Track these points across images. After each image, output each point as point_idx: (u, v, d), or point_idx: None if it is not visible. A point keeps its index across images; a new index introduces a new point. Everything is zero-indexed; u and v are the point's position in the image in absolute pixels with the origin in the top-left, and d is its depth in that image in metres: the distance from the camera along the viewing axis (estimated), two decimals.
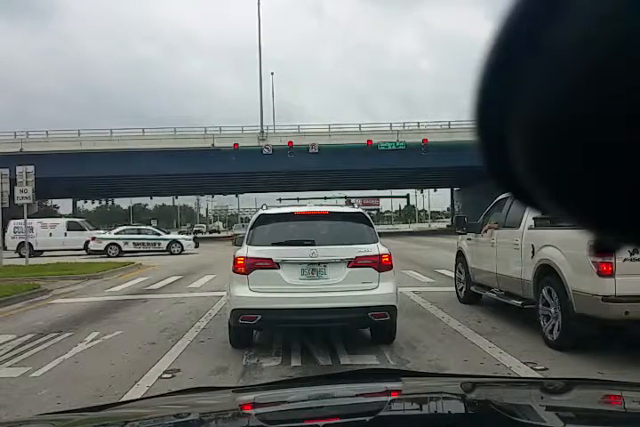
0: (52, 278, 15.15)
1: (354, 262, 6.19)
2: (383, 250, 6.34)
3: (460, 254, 9.87)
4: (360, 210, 6.96)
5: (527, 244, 7.04)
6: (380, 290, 6.15)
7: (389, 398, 1.81)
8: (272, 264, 6.16)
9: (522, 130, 0.44)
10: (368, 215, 6.91)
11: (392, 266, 6.40)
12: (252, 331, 6.65)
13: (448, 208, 79.15)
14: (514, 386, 1.97)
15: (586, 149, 0.41)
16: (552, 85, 0.41)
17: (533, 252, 6.83)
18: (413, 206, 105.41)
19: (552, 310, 6.32)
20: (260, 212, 6.82)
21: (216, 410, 1.69)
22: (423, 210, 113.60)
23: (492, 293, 8.36)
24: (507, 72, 0.44)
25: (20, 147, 38.79)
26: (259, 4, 46.24)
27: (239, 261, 6.23)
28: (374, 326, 6.45)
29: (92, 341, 7.21)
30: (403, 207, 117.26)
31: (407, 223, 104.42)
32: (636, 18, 0.37)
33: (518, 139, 0.44)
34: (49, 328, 8.14)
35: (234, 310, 6.18)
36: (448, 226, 66.93)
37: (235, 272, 6.29)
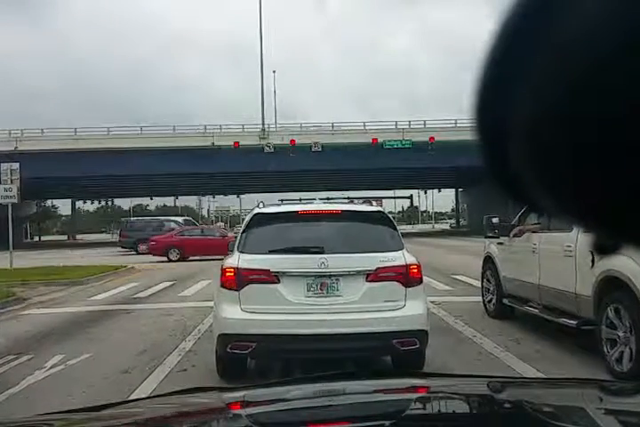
0: (34, 284, 13.97)
1: (374, 275, 4.90)
2: (411, 259, 5.04)
3: (489, 261, 8.57)
4: (380, 209, 5.70)
5: (584, 250, 5.74)
6: (407, 310, 4.86)
7: (415, 396, 1.73)
8: (270, 277, 4.87)
9: (522, 129, 0.43)
10: (390, 215, 5.64)
11: (422, 280, 5.11)
12: (246, 358, 5.37)
13: (452, 209, 78.20)
14: (541, 387, 1.87)
15: (586, 149, 0.40)
16: (552, 84, 0.41)
17: (593, 261, 5.55)
18: (416, 207, 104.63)
19: (620, 334, 5.10)
20: (256, 210, 5.50)
21: (217, 410, 1.65)
22: (426, 211, 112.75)
23: (531, 307, 7.10)
24: (507, 71, 0.43)
25: (14, 145, 37.89)
26: (260, 1, 45.28)
27: (228, 273, 4.93)
28: (399, 355, 5.15)
29: (52, 367, 5.94)
30: (406, 208, 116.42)
31: (410, 224, 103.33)
32: (637, 16, 0.37)
33: (518, 138, 0.44)
34: (8, 349, 6.89)
35: (220, 335, 4.90)
36: (452, 226, 65.80)
37: (222, 287, 5.01)
